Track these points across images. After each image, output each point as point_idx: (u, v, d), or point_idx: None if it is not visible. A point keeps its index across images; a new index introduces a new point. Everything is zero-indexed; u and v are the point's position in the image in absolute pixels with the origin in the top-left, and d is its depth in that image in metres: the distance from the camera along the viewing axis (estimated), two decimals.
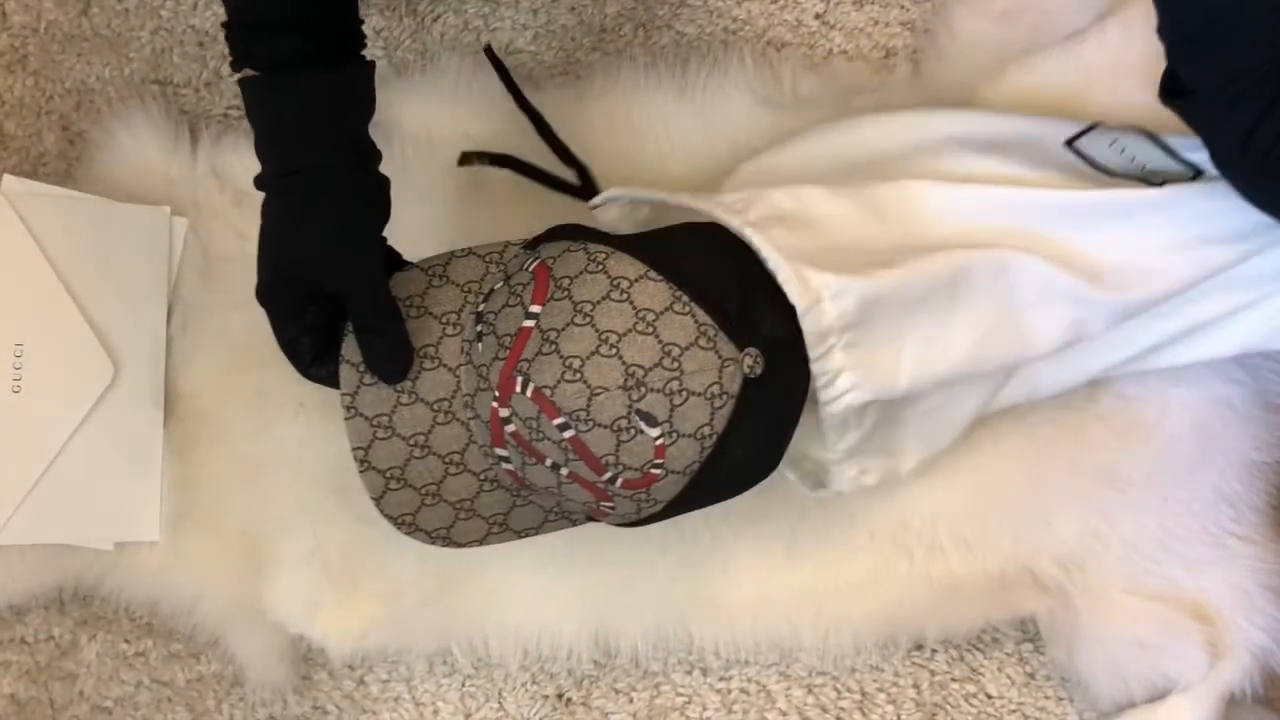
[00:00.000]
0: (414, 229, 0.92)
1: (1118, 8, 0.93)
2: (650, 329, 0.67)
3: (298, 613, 0.90)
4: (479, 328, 0.70)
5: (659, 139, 0.92)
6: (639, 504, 0.70)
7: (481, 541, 0.76)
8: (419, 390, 0.70)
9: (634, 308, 0.67)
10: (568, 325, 0.67)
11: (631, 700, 0.94)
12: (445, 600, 0.90)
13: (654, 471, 0.68)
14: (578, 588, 0.91)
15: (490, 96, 0.93)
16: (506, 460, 0.70)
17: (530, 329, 0.68)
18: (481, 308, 0.71)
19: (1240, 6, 0.69)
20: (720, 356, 0.68)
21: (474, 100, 0.94)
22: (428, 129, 0.93)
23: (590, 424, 0.66)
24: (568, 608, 0.91)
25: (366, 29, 0.75)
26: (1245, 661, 0.89)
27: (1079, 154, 0.84)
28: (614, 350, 0.66)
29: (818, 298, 0.73)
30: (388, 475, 0.71)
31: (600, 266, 0.69)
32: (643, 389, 0.66)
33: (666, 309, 0.67)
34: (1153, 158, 0.83)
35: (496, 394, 0.68)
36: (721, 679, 0.94)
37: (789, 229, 0.78)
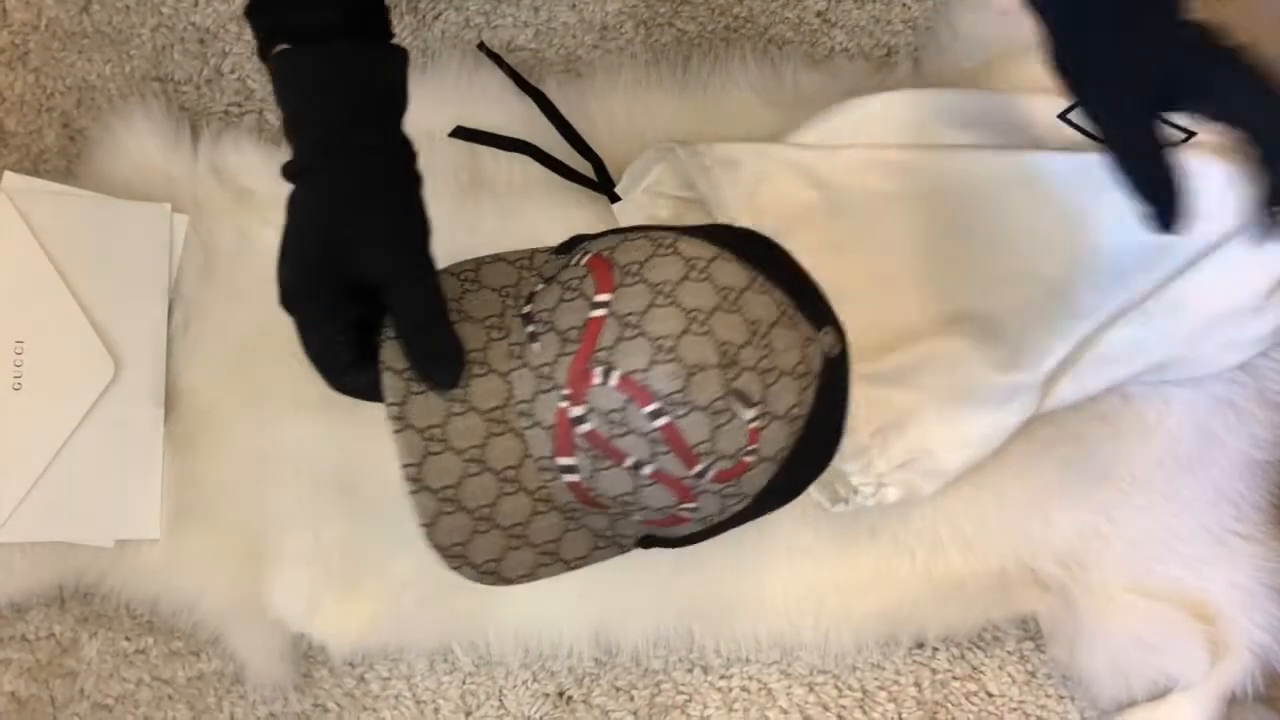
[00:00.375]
0: None
1: None
2: (735, 307, 0.64)
3: (298, 610, 0.90)
4: (530, 328, 0.66)
5: (660, 137, 0.92)
6: (724, 500, 0.66)
7: (530, 575, 0.69)
8: (471, 398, 0.65)
9: (715, 286, 0.64)
10: (649, 307, 0.63)
11: (632, 698, 0.94)
12: (446, 598, 0.90)
13: (747, 459, 0.64)
14: (579, 586, 0.90)
15: (491, 94, 0.93)
16: (571, 471, 0.65)
17: (602, 318, 0.64)
18: (527, 309, 0.67)
19: None
20: (801, 335, 0.65)
21: (475, 98, 0.94)
22: (429, 127, 0.93)
23: (687, 407, 0.62)
24: (569, 606, 0.91)
25: None
26: (1246, 660, 0.90)
27: (1073, 126, 0.84)
28: (705, 328, 0.63)
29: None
30: (441, 496, 0.64)
31: (671, 249, 0.66)
32: (737, 367, 0.63)
33: (746, 288, 0.64)
34: None
35: (567, 392, 0.64)
36: (722, 677, 0.94)
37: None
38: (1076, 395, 0.87)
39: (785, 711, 0.94)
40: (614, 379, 0.63)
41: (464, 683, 0.94)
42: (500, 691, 0.94)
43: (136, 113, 0.95)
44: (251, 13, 0.67)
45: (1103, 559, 0.91)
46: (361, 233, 0.64)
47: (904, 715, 0.94)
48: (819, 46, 0.99)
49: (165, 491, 0.91)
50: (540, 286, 0.68)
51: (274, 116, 0.98)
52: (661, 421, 0.62)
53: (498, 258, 0.71)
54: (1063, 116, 0.85)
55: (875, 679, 0.95)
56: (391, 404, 0.64)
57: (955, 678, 0.95)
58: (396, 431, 0.64)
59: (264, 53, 0.67)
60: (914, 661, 0.95)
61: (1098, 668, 0.91)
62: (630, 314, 0.63)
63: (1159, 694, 0.91)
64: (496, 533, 0.66)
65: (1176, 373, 0.89)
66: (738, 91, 0.94)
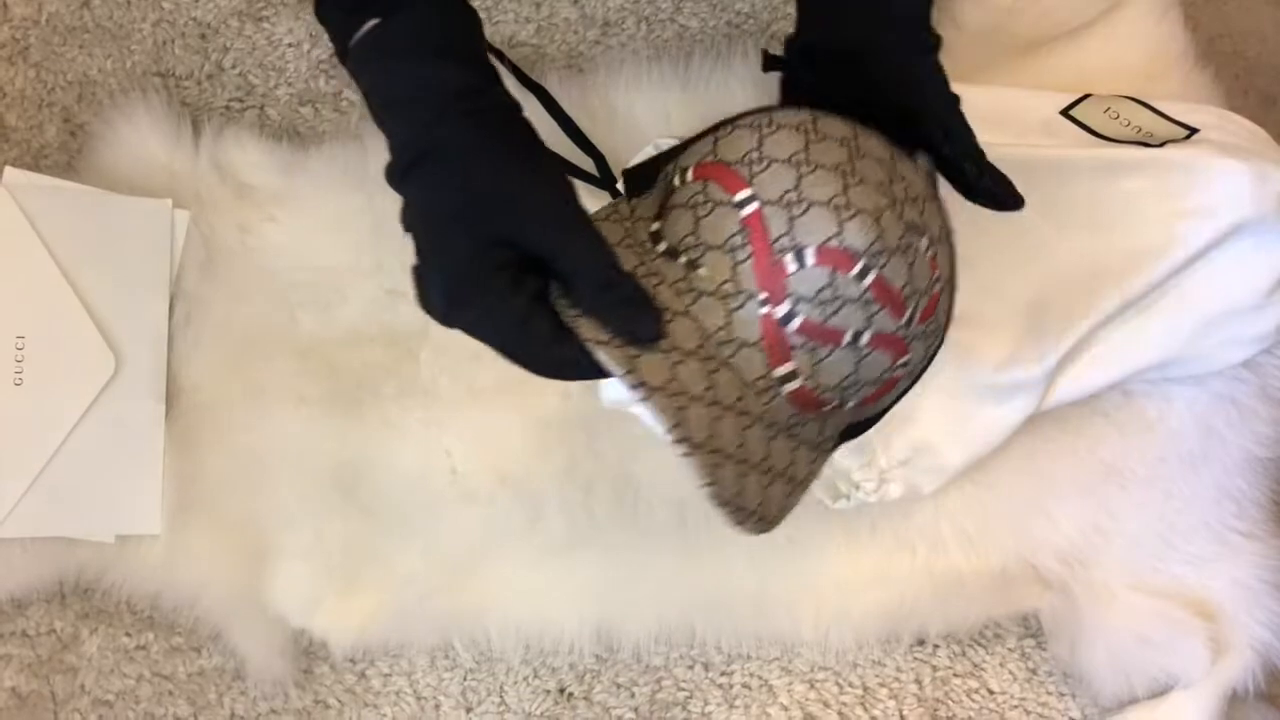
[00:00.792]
0: None
1: (1122, 3, 0.93)
2: (861, 152, 0.64)
3: (299, 606, 0.90)
4: (681, 260, 0.63)
5: (662, 133, 0.92)
6: (928, 342, 0.66)
7: (786, 510, 0.65)
8: (678, 343, 0.61)
9: (835, 140, 0.63)
10: (799, 180, 0.62)
11: (633, 695, 0.94)
12: (447, 594, 0.90)
13: (936, 289, 0.64)
14: (580, 582, 0.91)
15: None
16: (791, 378, 0.62)
17: (757, 210, 0.62)
18: (663, 247, 0.64)
19: None
20: (912, 161, 0.66)
21: None
22: None
23: (885, 255, 0.61)
24: (570, 602, 0.91)
25: None
26: (1248, 657, 0.89)
27: (1075, 121, 0.84)
28: (858, 176, 0.62)
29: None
30: (708, 449, 0.60)
31: (772, 125, 0.64)
32: (898, 202, 0.62)
33: (855, 133, 0.64)
34: (1146, 121, 0.84)
35: (764, 295, 0.61)
36: (723, 674, 0.94)
37: None
38: (1078, 393, 0.87)
39: (786, 708, 0.94)
40: (809, 257, 0.61)
41: (465, 679, 0.94)
42: (501, 688, 0.94)
43: (137, 108, 0.95)
44: (325, 1, 0.64)
45: (1104, 556, 0.91)
46: (511, 206, 0.59)
47: (905, 712, 0.94)
48: None
49: (166, 487, 0.91)
50: (656, 225, 0.66)
51: (275, 112, 0.98)
52: (870, 278, 0.61)
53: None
54: (1065, 113, 0.86)
55: (876, 676, 0.95)
56: (625, 374, 0.59)
57: (956, 675, 0.95)
58: (644, 399, 0.59)
59: (341, 48, 0.63)
60: (915, 658, 0.95)
61: (1099, 665, 0.91)
62: (785, 193, 0.62)
63: (1160, 691, 0.91)
64: (754, 473, 0.63)
65: (1178, 370, 0.88)
66: (739, 87, 0.94)
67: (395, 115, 0.62)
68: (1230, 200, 0.81)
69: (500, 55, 0.93)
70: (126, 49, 0.98)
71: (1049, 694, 0.95)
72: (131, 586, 0.92)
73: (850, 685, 0.94)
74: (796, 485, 0.66)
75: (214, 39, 0.98)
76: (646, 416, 0.59)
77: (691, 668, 0.94)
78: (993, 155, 0.81)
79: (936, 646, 0.95)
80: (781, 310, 0.61)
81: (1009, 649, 0.95)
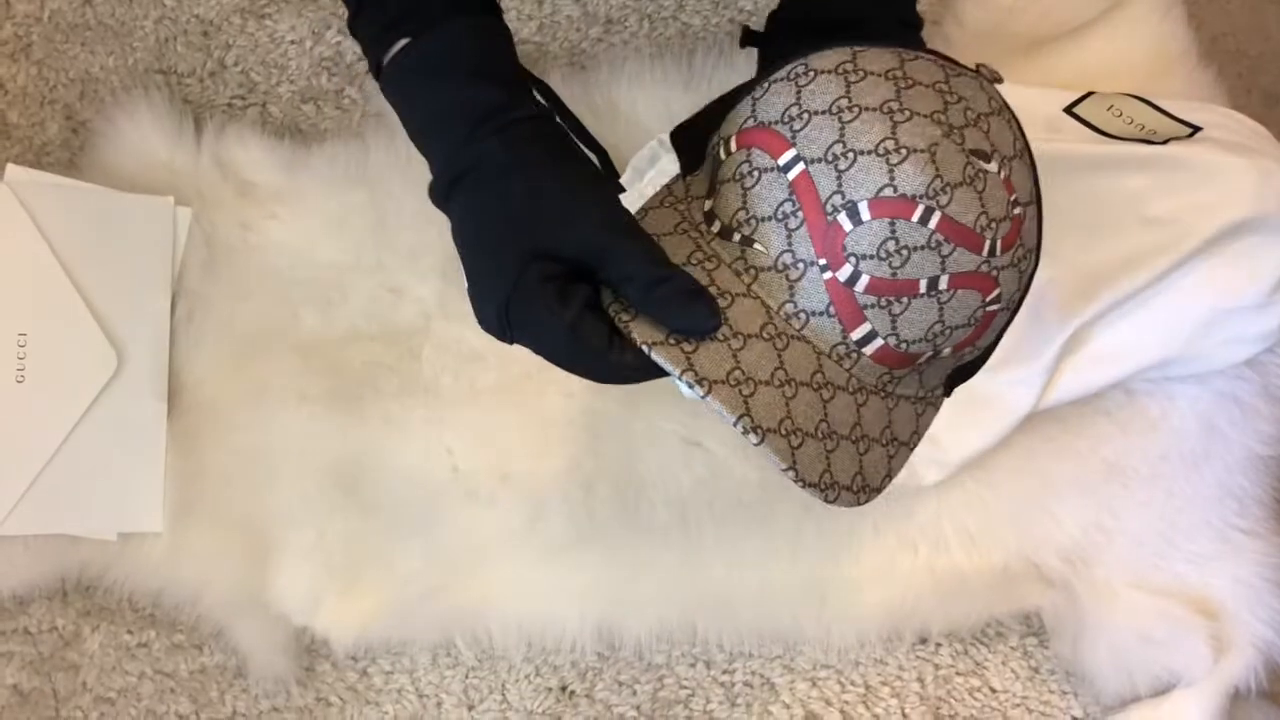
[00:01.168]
0: (420, 222, 0.92)
1: (1124, 1, 0.93)
2: (910, 81, 0.60)
3: (301, 604, 0.90)
4: (736, 238, 0.61)
5: (664, 130, 0.91)
6: (1019, 269, 0.62)
7: (890, 474, 0.63)
8: (740, 327, 0.59)
9: (879, 75, 0.60)
10: (841, 129, 0.59)
11: (635, 693, 0.94)
12: (449, 592, 0.90)
13: (1016, 211, 0.60)
14: (582, 580, 0.91)
15: None
16: (870, 339, 0.60)
17: (803, 171, 0.59)
18: (717, 227, 0.62)
19: None
20: (970, 77, 0.62)
21: None
22: None
23: (947, 191, 0.58)
24: (572, 600, 0.91)
25: None
26: (1250, 656, 0.89)
27: (1079, 119, 0.84)
28: (905, 112, 0.59)
29: None
30: (783, 432, 0.58)
31: (809, 73, 0.62)
32: (956, 129, 0.59)
33: (901, 62, 0.61)
34: (1150, 118, 0.84)
35: (824, 261, 0.59)
36: (725, 671, 0.94)
37: None
38: (1081, 391, 0.87)
39: (788, 706, 0.94)
40: (864, 212, 0.58)
41: (467, 677, 0.94)
42: (503, 686, 0.94)
43: (140, 105, 0.94)
44: (358, 18, 0.64)
45: (1106, 554, 0.91)
46: (548, 218, 0.58)
47: (907, 710, 0.94)
48: None
49: (168, 485, 0.91)
50: (709, 204, 0.64)
51: (277, 109, 0.98)
52: (935, 219, 0.58)
53: (642, 211, 0.66)
54: (1069, 110, 0.86)
55: (878, 674, 0.95)
56: (682, 372, 0.58)
57: (958, 673, 0.95)
58: (705, 395, 0.57)
59: (375, 66, 0.63)
60: (917, 656, 0.95)
61: (1101, 663, 0.91)
62: (830, 146, 0.59)
63: (1162, 690, 0.91)
64: (844, 444, 0.60)
65: (1181, 369, 0.88)
66: None
67: (432, 136, 0.62)
68: (1233, 198, 0.81)
69: None
70: (129, 46, 0.98)
71: (1051, 692, 0.95)
72: (133, 584, 0.92)
73: (852, 683, 0.94)
74: (901, 445, 0.63)
75: (216, 36, 0.98)
76: (715, 409, 0.57)
77: (693, 665, 0.94)
78: None
79: (939, 645, 0.95)
80: (845, 273, 0.59)
81: (1011, 647, 0.95)
